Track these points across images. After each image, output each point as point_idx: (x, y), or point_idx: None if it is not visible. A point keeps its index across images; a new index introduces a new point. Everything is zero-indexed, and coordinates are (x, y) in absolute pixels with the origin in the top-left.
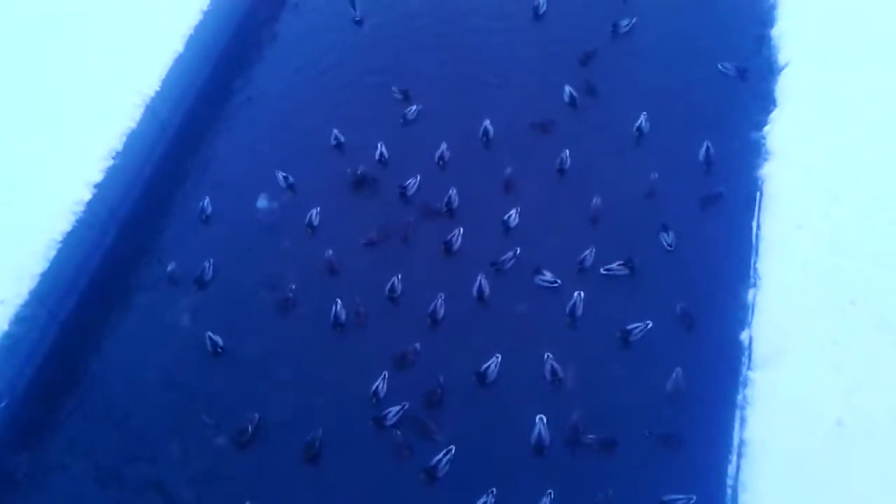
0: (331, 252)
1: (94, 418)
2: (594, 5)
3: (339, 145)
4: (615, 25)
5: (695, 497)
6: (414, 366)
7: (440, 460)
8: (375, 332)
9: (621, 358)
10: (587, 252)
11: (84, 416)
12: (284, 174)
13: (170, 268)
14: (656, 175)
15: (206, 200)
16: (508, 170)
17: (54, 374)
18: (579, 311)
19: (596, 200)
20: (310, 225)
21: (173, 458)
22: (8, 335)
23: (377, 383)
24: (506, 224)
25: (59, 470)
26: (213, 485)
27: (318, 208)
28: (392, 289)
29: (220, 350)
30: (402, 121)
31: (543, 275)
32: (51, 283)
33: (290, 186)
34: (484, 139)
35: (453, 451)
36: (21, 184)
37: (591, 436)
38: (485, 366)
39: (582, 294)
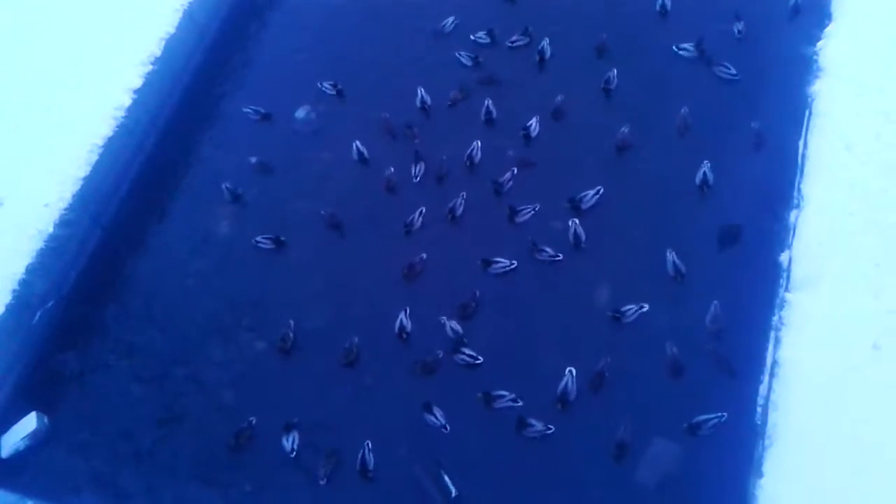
0: (392, 169)
1: (137, 320)
2: None
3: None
4: None
5: (725, 415)
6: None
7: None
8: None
9: (656, 276)
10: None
11: (128, 318)
12: (332, 82)
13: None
14: (687, 109)
15: (251, 109)
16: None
17: (98, 276)
18: (582, 239)
19: (624, 129)
20: (361, 158)
21: (215, 361)
22: (53, 237)
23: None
24: (526, 132)
25: (104, 369)
26: (254, 387)
27: (359, 141)
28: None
29: (281, 241)
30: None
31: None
32: (93, 187)
33: (339, 92)
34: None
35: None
36: (62, 89)
37: (675, 349)
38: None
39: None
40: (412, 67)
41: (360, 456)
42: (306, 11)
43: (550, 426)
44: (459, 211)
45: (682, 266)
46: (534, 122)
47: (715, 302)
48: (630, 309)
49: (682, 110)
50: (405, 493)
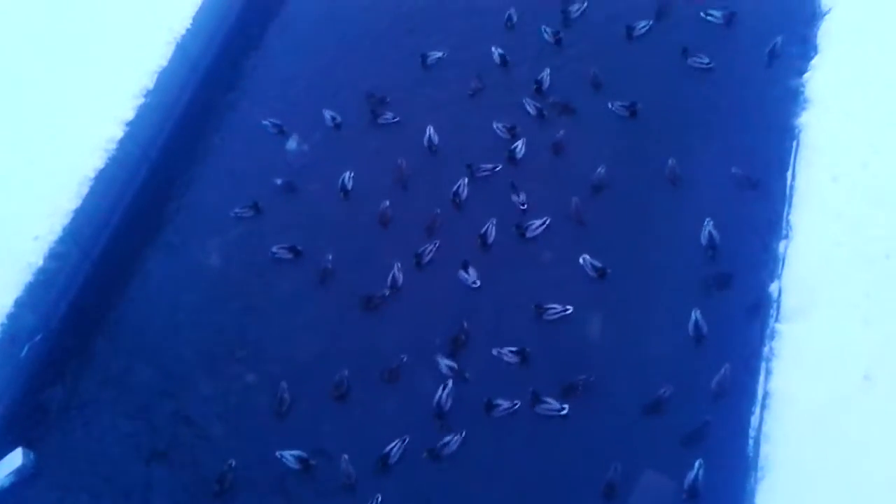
0: (387, 203)
1: (126, 353)
2: None
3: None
4: None
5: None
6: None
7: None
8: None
9: (648, 306)
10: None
11: (116, 351)
12: (332, 114)
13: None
14: (674, 161)
15: (269, 122)
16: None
17: (88, 309)
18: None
19: (601, 170)
20: (343, 189)
21: (204, 394)
22: (42, 270)
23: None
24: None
25: (92, 403)
26: (243, 420)
27: (352, 172)
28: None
29: (298, 251)
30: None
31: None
32: (83, 220)
33: (337, 126)
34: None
35: (450, 385)
36: (53, 121)
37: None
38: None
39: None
40: (410, 97)
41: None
42: (300, 43)
43: (565, 406)
44: (427, 259)
45: (705, 327)
46: (520, 144)
47: (727, 365)
48: (553, 308)
49: (669, 162)
50: None
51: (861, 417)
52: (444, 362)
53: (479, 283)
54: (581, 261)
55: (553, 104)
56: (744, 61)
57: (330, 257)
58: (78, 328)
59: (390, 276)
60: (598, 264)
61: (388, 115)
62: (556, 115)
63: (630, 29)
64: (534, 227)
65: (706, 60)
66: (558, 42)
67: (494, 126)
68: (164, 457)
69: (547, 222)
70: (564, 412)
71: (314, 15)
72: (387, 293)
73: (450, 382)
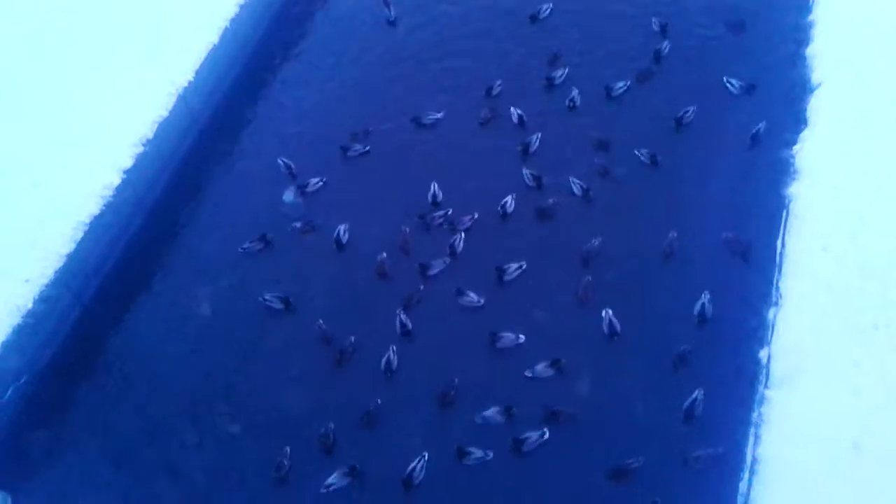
0: (384, 255)
1: (111, 400)
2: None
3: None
4: (657, 52)
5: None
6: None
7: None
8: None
9: (635, 371)
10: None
11: (102, 397)
12: (319, 178)
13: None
14: (675, 234)
15: (282, 161)
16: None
17: (75, 354)
18: (618, 329)
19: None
20: (338, 241)
21: (189, 444)
22: (31, 314)
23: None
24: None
25: (75, 449)
26: (227, 472)
27: (347, 224)
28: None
29: (289, 302)
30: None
31: None
32: (76, 265)
33: (328, 180)
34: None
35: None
36: (52, 166)
37: (635, 461)
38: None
39: None
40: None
41: None
42: (303, 97)
43: (489, 451)
44: (409, 327)
45: (701, 408)
46: (509, 200)
47: (720, 448)
48: (508, 336)
49: (670, 234)
50: None
51: (850, 487)
52: (489, 413)
53: (482, 301)
54: (603, 313)
55: (598, 169)
56: (734, 131)
57: (321, 321)
58: (65, 372)
59: (385, 359)
60: (616, 324)
61: (357, 146)
62: (600, 179)
63: (609, 89)
64: (511, 269)
65: (692, 107)
66: (573, 109)
67: (524, 172)
68: None
69: (523, 266)
70: (546, 436)
71: (318, 70)
72: (353, 339)
73: (426, 454)
